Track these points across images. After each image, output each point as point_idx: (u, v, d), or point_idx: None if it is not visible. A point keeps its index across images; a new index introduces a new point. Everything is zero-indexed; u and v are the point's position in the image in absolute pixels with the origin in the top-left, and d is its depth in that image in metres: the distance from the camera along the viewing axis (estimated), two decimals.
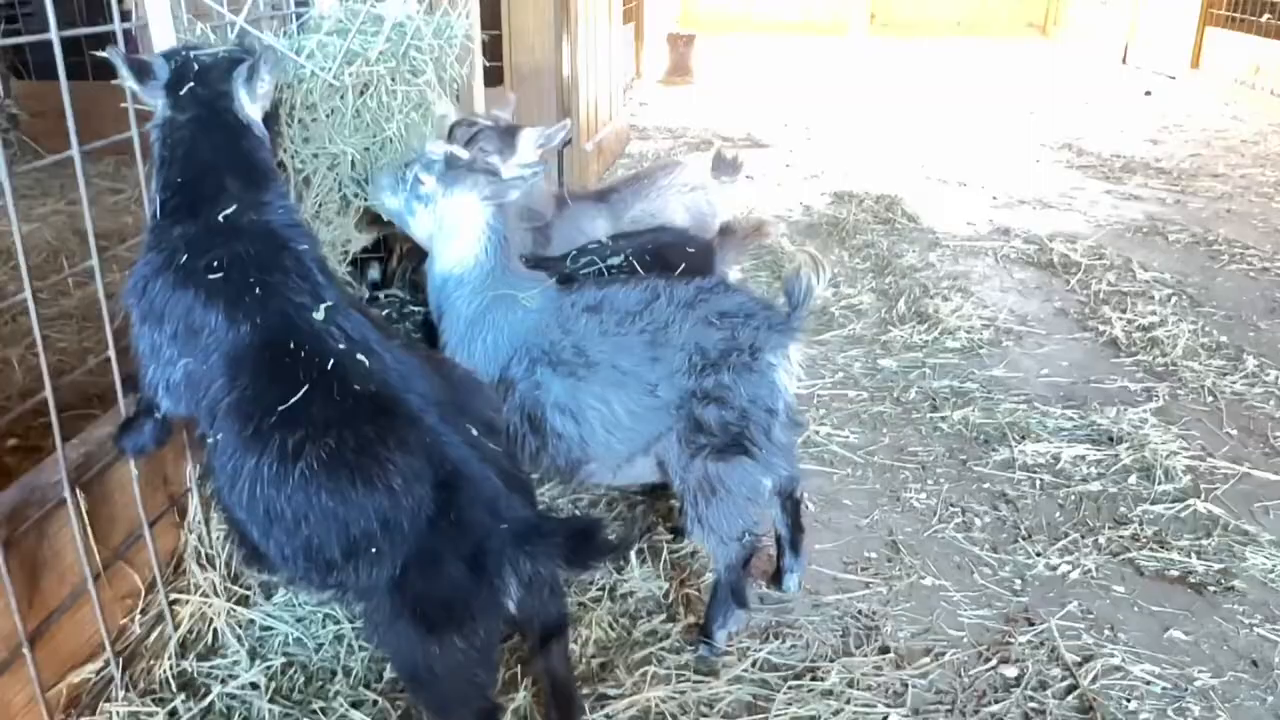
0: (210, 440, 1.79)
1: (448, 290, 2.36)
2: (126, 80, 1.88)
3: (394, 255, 3.27)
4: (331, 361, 1.75)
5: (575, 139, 6.27)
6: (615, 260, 2.74)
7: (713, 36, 13.53)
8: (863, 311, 4.51)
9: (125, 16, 2.16)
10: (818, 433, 3.44)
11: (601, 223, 3.45)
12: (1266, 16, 9.48)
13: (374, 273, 3.25)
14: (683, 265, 2.66)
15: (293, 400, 1.70)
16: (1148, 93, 10.50)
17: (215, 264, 1.78)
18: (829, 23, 16.13)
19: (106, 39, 2.00)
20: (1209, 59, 10.38)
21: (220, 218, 1.83)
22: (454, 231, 2.33)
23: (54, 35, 1.88)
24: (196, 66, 1.90)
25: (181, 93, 1.88)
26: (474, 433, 1.79)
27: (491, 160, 2.87)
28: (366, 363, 1.78)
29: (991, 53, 13.93)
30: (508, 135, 3.00)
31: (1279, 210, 6.15)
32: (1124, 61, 12.35)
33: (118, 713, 2.10)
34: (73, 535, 2.05)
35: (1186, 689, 2.31)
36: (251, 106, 1.94)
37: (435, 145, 2.32)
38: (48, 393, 1.95)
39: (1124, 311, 4.48)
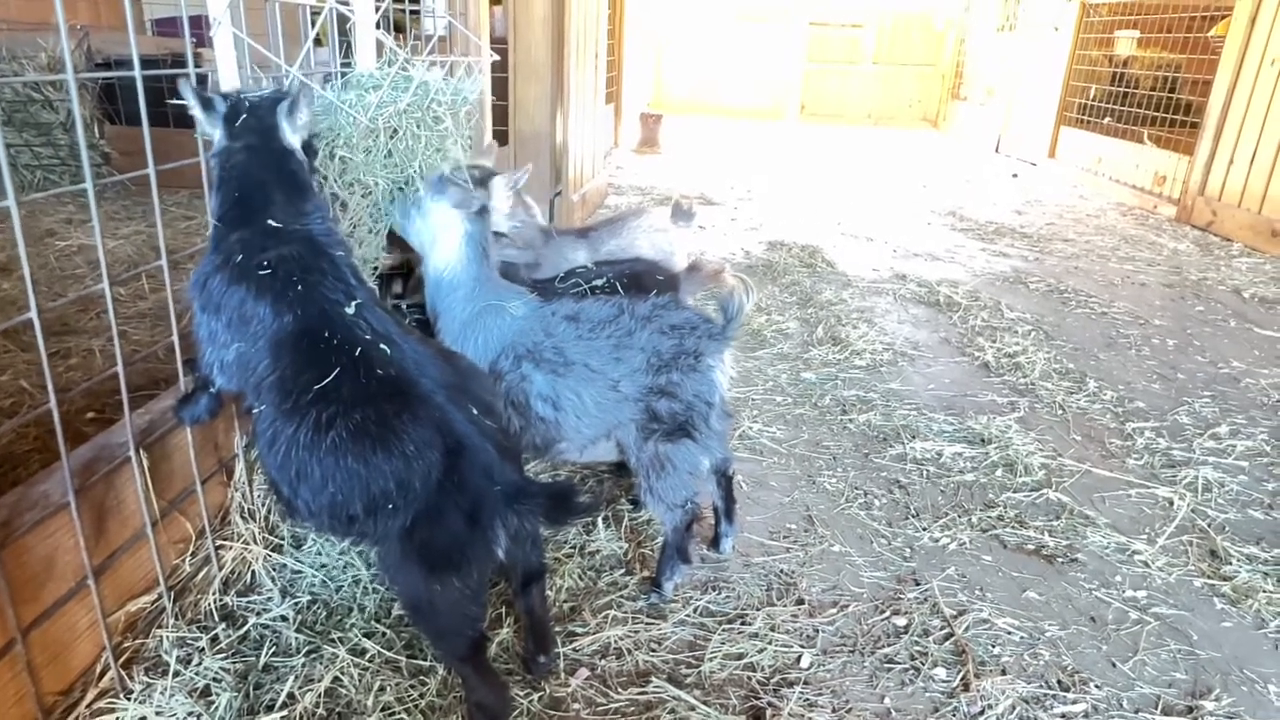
0: (255, 411, 1.72)
1: (442, 293, 2.31)
2: (193, 108, 1.83)
3: (414, 272, 3.22)
4: (359, 349, 1.70)
5: (565, 190, 6.26)
6: (599, 282, 2.72)
7: (678, 117, 13.55)
8: (789, 335, 4.51)
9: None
10: (751, 428, 3.42)
11: (581, 254, 3.41)
12: (1107, 119, 9.72)
13: (397, 286, 3.19)
14: (654, 289, 2.64)
15: (326, 380, 1.65)
16: (1015, 175, 10.68)
17: (265, 264, 1.72)
18: (769, 109, 16.27)
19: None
20: (1062, 151, 10.57)
21: (269, 223, 1.78)
22: (439, 236, 2.32)
23: (137, 73, 1.82)
24: (248, 103, 1.86)
25: (236, 124, 1.83)
26: (475, 412, 1.74)
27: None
28: (388, 351, 1.73)
29: (894, 139, 14.11)
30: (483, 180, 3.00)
31: (1114, 268, 6.25)
32: (997, 151, 12.56)
33: (168, 637, 2.02)
34: (135, 488, 1.97)
35: (1039, 638, 2.31)
36: (293, 136, 1.88)
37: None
38: (119, 369, 1.88)
39: (994, 342, 4.52)
